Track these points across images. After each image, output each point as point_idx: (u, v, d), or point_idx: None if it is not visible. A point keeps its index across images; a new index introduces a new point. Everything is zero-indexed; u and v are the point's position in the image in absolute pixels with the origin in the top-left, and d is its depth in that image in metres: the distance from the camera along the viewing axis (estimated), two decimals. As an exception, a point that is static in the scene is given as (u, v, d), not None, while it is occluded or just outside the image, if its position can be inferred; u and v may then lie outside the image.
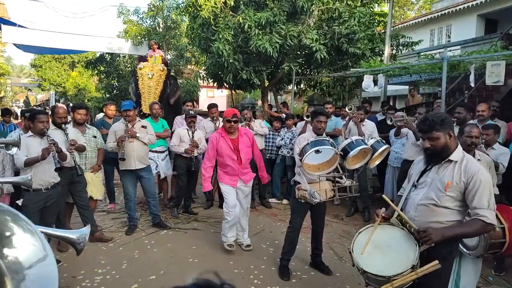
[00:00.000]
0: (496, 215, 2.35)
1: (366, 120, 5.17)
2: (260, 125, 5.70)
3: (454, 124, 3.70)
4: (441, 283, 2.01)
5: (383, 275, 1.86)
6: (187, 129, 4.94)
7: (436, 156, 1.98)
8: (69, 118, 4.40)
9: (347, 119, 5.18)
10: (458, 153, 1.97)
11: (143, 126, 4.43)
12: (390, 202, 2.09)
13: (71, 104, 21.14)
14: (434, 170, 2.02)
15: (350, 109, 4.96)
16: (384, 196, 2.14)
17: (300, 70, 7.78)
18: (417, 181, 2.09)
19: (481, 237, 2.34)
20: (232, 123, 3.66)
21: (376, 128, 5.09)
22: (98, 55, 13.68)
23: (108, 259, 3.64)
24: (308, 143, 2.77)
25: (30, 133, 3.40)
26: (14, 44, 10.15)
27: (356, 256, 2.00)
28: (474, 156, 2.74)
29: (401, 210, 2.10)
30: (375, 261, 1.95)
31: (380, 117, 6.16)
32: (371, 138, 3.14)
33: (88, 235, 1.34)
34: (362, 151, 2.82)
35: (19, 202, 3.25)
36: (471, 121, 3.89)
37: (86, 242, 1.32)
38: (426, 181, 2.03)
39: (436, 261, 1.83)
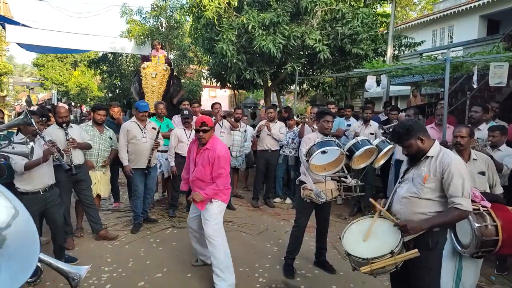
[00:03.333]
0: (490, 213, 2.41)
1: (371, 121, 5.19)
2: (279, 130, 5.61)
3: (470, 123, 3.75)
4: (431, 274, 2.11)
5: (363, 257, 2.05)
6: (184, 129, 4.95)
7: (414, 157, 2.18)
8: (72, 117, 4.49)
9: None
10: (434, 149, 2.13)
11: (153, 128, 4.54)
12: (376, 204, 2.29)
13: (72, 103, 21.10)
14: (416, 166, 2.19)
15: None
16: (371, 199, 2.36)
17: (303, 71, 7.81)
18: (402, 177, 2.27)
19: (473, 235, 2.38)
20: (201, 133, 2.99)
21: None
22: (100, 54, 13.71)
23: (114, 257, 3.68)
24: (314, 144, 2.80)
25: (21, 135, 3.23)
26: (17, 43, 10.21)
27: (345, 243, 2.22)
28: (470, 156, 2.77)
29: (390, 204, 2.31)
30: (360, 246, 2.15)
31: (382, 117, 6.19)
32: (376, 138, 3.18)
33: (84, 276, 1.35)
34: (367, 151, 2.85)
35: None
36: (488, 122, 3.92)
37: (81, 281, 1.34)
38: (409, 177, 2.21)
39: (416, 250, 1.99)
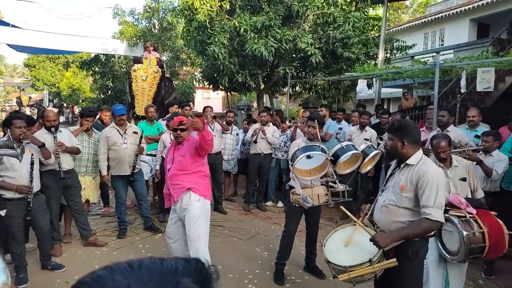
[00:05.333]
0: (476, 220, 2.40)
1: (367, 127, 5.16)
2: (273, 134, 5.60)
3: (437, 128, 3.79)
4: (413, 283, 2.10)
5: (342, 265, 2.07)
6: (170, 133, 4.89)
7: (390, 155, 2.19)
8: (63, 118, 4.41)
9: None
10: (415, 158, 2.08)
11: (134, 132, 4.41)
12: (350, 214, 2.32)
13: (64, 105, 20.81)
14: (397, 174, 2.16)
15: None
16: (343, 208, 2.38)
17: (295, 73, 7.83)
18: (384, 185, 2.26)
19: (461, 243, 2.36)
20: (179, 132, 3.03)
21: (376, 135, 5.08)
22: (93, 55, 13.60)
23: (102, 264, 3.56)
24: (298, 149, 2.80)
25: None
26: (8, 44, 10.08)
27: (326, 250, 2.25)
28: (451, 162, 2.80)
29: (372, 212, 2.32)
30: (340, 254, 2.18)
31: (374, 120, 6.22)
32: (363, 143, 3.18)
33: None
34: (353, 156, 2.85)
35: (2, 212, 3.09)
36: (451, 127, 3.99)
37: None
38: (390, 185, 2.19)
39: (394, 259, 1.99)
